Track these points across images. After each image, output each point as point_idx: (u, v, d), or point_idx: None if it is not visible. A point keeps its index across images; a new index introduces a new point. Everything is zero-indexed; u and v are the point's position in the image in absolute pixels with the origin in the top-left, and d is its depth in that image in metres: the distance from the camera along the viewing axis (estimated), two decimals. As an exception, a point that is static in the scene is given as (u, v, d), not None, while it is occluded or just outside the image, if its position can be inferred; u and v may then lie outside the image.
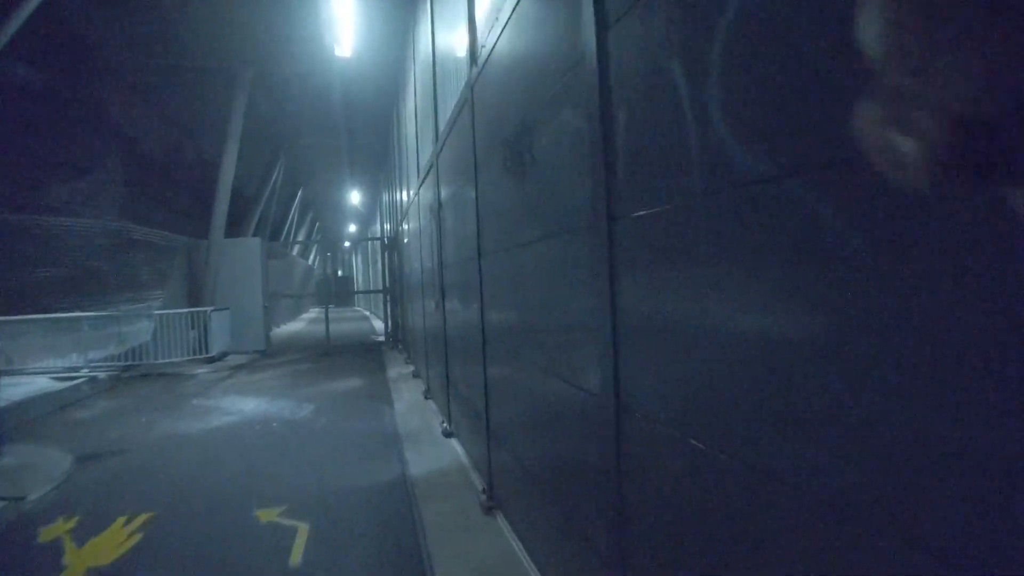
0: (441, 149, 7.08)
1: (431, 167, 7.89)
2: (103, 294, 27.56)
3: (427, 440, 7.20)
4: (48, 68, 22.93)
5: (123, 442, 7.83)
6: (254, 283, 17.46)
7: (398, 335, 17.51)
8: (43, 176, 26.22)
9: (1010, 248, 0.88)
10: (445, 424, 7.50)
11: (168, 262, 23.16)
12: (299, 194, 33.57)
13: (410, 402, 9.48)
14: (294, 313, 34.53)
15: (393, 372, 12.71)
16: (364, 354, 16.55)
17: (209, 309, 14.94)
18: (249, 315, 17.14)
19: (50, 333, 14.42)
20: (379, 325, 26.79)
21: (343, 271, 62.66)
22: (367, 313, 37.66)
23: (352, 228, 46.97)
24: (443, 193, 7.04)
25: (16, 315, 16.69)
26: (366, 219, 38.68)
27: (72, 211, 26.76)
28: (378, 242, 23.26)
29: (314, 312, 39.71)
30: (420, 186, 9.64)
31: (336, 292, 47.55)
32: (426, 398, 9.57)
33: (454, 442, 6.96)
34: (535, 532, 3.82)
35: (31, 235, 23.84)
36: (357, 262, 54.13)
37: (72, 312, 15.57)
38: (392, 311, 18.21)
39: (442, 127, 7.25)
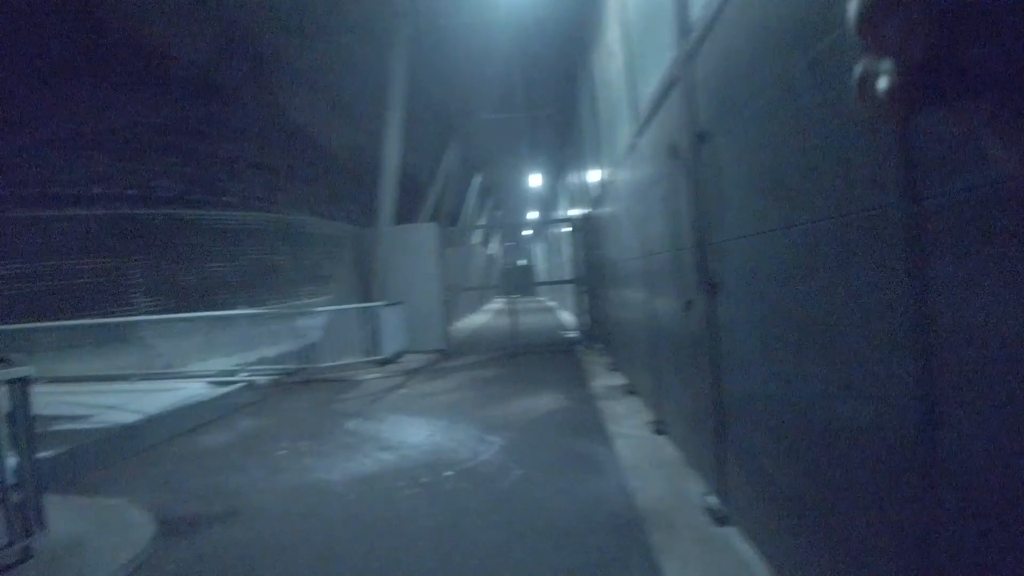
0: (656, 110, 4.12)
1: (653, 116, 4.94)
2: (283, 288, 26.94)
3: (687, 531, 4.26)
4: (219, 63, 22.03)
5: (238, 496, 5.53)
6: (431, 274, 15.30)
7: (594, 332, 14.69)
8: (220, 173, 25.86)
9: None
10: (712, 498, 4.54)
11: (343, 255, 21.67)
12: (476, 180, 31.70)
13: (635, 440, 6.57)
14: (475, 305, 32.78)
15: (597, 384, 9.90)
16: (556, 356, 13.90)
17: (380, 304, 12.83)
18: (426, 310, 15.01)
19: (216, 331, 12.81)
20: (567, 318, 24.22)
21: (524, 260, 60.95)
22: (551, 304, 35.28)
23: (532, 215, 44.83)
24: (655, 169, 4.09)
25: (190, 312, 15.44)
26: (548, 203, 36.25)
27: (251, 206, 26.25)
28: (563, 227, 20.58)
29: (497, 303, 37.90)
30: (631, 152, 6.80)
31: (518, 282, 45.64)
32: (657, 432, 6.66)
33: (735, 537, 4.01)
34: None
35: (209, 230, 23.30)
36: (539, 250, 52.04)
37: (242, 309, 13.89)
38: (588, 304, 15.39)
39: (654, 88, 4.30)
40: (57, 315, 19.73)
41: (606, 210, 10.97)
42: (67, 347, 13.13)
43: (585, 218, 14.78)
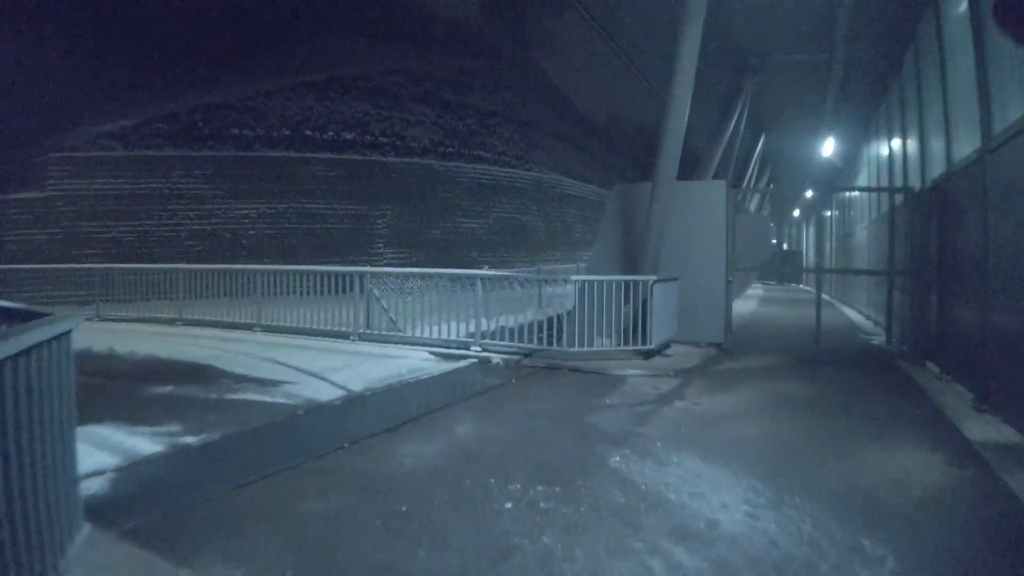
0: None
1: None
2: (531, 250, 24.81)
3: None
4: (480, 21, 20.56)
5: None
6: (714, 245, 11.98)
7: (927, 346, 10.61)
8: (475, 125, 24.08)
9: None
10: None
11: (600, 219, 18.77)
12: (760, 143, 27.58)
13: None
14: (739, 288, 28.80)
15: (971, 433, 6.16)
16: (873, 371, 10.14)
17: (651, 279, 9.82)
18: (703, 290, 11.75)
19: (454, 292, 10.56)
20: (853, 315, 19.81)
21: (788, 244, 54.85)
22: (827, 298, 30.24)
23: (807, 194, 39.30)
24: None
25: (430, 267, 13.41)
26: (837, 176, 30.93)
27: (505, 162, 24.31)
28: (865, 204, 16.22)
29: (759, 289, 33.55)
30: None
31: (782, 268, 40.41)
32: None
33: None
34: None
35: (460, 184, 21.59)
36: (808, 234, 46.14)
37: (486, 270, 11.48)
38: (916, 304, 11.26)
39: None
40: (298, 258, 18.98)
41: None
42: (296, 292, 11.57)
43: (935, 191, 10.58)
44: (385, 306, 10.62)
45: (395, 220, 20.92)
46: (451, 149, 23.96)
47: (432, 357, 9.41)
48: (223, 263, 15.19)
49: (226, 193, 18.68)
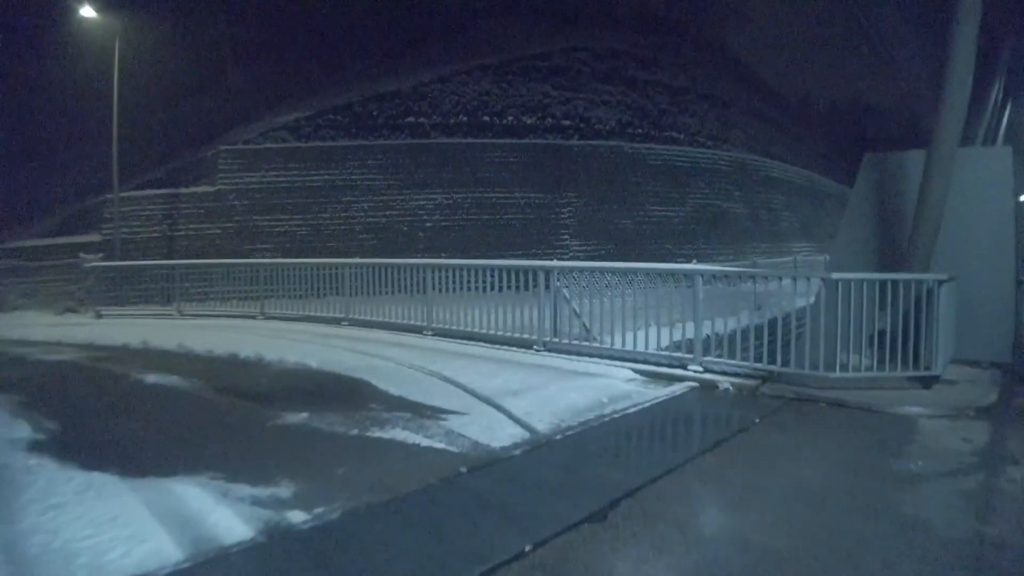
0: None
1: None
2: (733, 241, 21.98)
3: None
4: None
5: None
6: (997, 231, 9.01)
7: None
8: (665, 103, 21.64)
9: None
10: None
11: (819, 208, 15.89)
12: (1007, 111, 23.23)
13: None
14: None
15: None
16: None
17: (934, 279, 7.16)
18: (982, 292, 8.82)
19: (653, 289, 8.46)
20: None
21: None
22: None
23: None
24: None
25: (620, 260, 11.37)
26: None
27: (700, 143, 21.74)
28: None
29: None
30: None
31: None
32: None
33: None
34: None
35: (651, 167, 19.29)
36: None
37: (690, 264, 9.20)
38: None
39: None
40: (478, 251, 17.60)
41: None
42: (472, 289, 9.92)
43: None
44: (576, 309, 8.63)
45: (581, 208, 18.94)
46: (640, 130, 21.73)
47: (637, 377, 7.30)
48: (399, 257, 14.07)
49: (401, 183, 17.63)
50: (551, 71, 21.27)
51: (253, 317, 12.73)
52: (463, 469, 4.36)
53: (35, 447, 4.95)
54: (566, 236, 18.59)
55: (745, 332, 7.80)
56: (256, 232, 16.66)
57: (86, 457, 4.60)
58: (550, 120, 20.40)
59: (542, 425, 5.36)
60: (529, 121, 20.06)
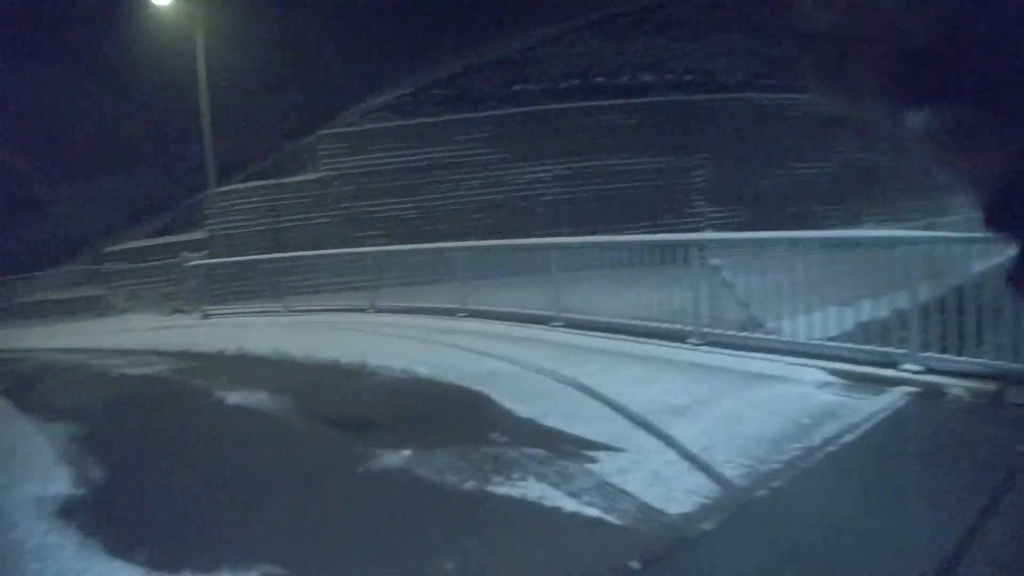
0: None
1: None
2: (887, 200, 19.37)
3: None
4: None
5: None
6: None
7: None
8: (799, 49, 19.48)
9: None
10: None
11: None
12: None
13: None
14: None
15: None
16: None
17: None
18: None
19: (816, 262, 6.76)
20: None
21: None
22: None
23: None
24: None
25: (758, 228, 9.63)
26: None
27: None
28: None
29: None
30: None
31: None
32: None
33: None
34: None
35: (789, 120, 17.19)
36: None
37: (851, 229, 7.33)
38: None
39: None
40: (600, 225, 15.79)
41: None
42: (603, 266, 8.45)
43: None
44: (739, 295, 6.95)
45: (714, 170, 16.92)
46: (771, 80, 19.38)
47: (832, 380, 5.57)
48: (516, 236, 12.80)
49: (513, 156, 16.30)
50: (664, 23, 19.40)
51: (363, 310, 11.72)
52: (634, 565, 2.86)
53: (65, 511, 3.93)
54: (699, 202, 16.69)
55: (926, 310, 5.98)
56: (364, 218, 15.79)
57: (117, 530, 3.60)
58: (670, 76, 18.48)
59: (731, 468, 3.80)
60: (647, 79, 18.22)
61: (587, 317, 8.29)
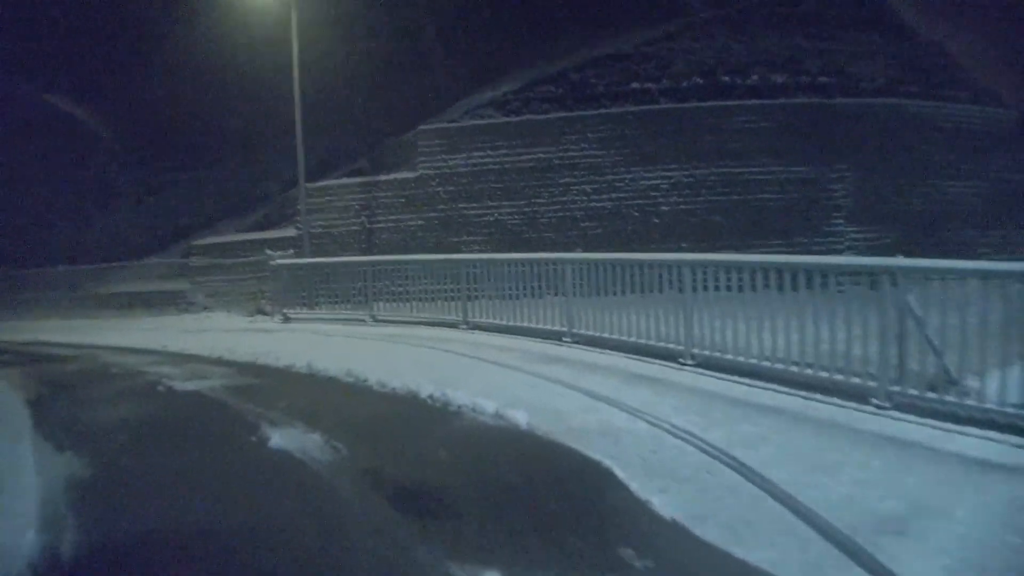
0: None
1: None
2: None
3: None
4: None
5: None
6: None
7: None
8: (939, 55, 17.53)
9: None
10: None
11: None
12: None
13: None
14: None
15: None
16: None
17: None
18: None
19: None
20: None
21: None
22: None
23: None
24: None
25: (908, 252, 7.88)
26: None
27: (958, 99, 17.18)
28: None
29: None
30: None
31: None
32: None
33: None
34: None
35: (937, 132, 15.19)
36: None
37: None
38: None
39: None
40: (729, 239, 13.69)
41: None
42: (739, 290, 7.00)
43: None
44: (935, 341, 5.32)
45: (857, 184, 14.94)
46: (914, 87, 17.32)
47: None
48: (629, 249, 12.13)
49: (628, 160, 14.91)
50: (799, 18, 17.79)
51: (455, 326, 10.66)
52: None
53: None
54: (839, 220, 14.79)
55: None
56: (462, 222, 14.80)
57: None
58: (804, 77, 16.68)
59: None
60: (779, 79, 16.47)
61: (727, 357, 6.79)
